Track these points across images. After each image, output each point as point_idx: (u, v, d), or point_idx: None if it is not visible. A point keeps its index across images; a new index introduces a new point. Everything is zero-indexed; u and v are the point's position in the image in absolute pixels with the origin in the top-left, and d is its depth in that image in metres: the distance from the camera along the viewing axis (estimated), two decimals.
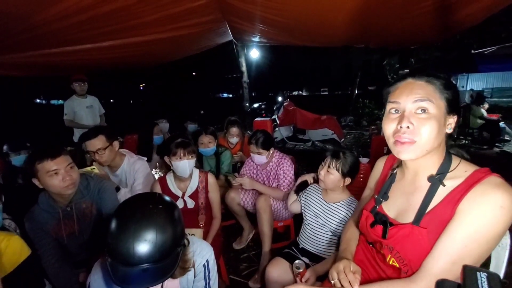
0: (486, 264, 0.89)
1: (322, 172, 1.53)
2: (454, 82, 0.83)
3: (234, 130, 2.92)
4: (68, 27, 2.69)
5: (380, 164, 1.11)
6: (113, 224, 0.80)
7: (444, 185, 0.81)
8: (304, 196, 1.72)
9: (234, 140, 2.97)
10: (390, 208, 0.95)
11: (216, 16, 3.54)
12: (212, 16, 3.50)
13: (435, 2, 2.98)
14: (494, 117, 6.23)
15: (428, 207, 0.82)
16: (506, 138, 6.17)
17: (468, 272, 0.46)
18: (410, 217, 0.85)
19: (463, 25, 4.11)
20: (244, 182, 2.17)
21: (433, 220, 0.80)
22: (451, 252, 0.74)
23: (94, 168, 1.84)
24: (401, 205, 0.91)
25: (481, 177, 0.76)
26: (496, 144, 5.88)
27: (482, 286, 0.43)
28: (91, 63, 4.25)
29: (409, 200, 0.89)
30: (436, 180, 0.82)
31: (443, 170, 0.83)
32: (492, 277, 0.45)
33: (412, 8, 3.14)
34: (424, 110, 0.78)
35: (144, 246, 0.76)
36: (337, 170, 1.49)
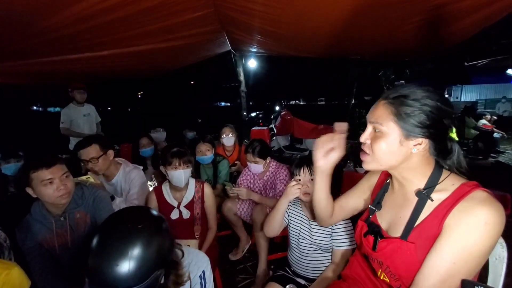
0: (485, 276, 0.89)
1: (304, 186, 1.44)
2: (429, 104, 0.78)
3: (227, 129, 2.92)
4: (68, 36, 2.71)
5: (375, 176, 1.09)
6: (91, 245, 0.76)
7: (432, 200, 0.81)
8: (288, 215, 1.61)
9: (229, 140, 2.93)
10: (382, 219, 0.95)
11: (215, 27, 3.59)
12: (211, 27, 3.55)
13: (426, 18, 3.05)
14: (488, 128, 6.33)
15: (416, 222, 0.82)
16: (500, 149, 6.25)
17: (466, 286, 0.46)
18: (399, 231, 0.86)
19: (455, 39, 4.20)
20: (241, 192, 2.16)
21: (421, 235, 0.80)
22: (440, 269, 0.74)
23: (89, 177, 1.82)
24: (391, 217, 0.92)
25: (467, 191, 0.76)
26: (491, 155, 5.94)
27: None
28: (90, 72, 4.28)
29: (399, 213, 0.89)
30: (423, 195, 0.82)
31: (431, 184, 0.83)
32: None
33: (404, 22, 3.21)
34: (376, 129, 0.83)
35: (116, 270, 0.71)
36: None
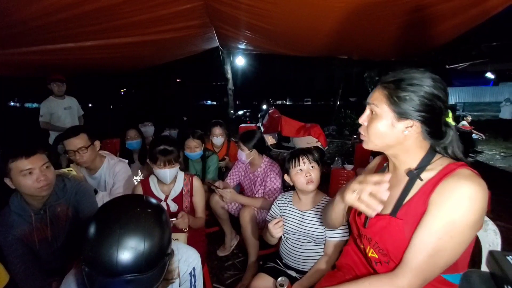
0: (479, 263, 0.90)
1: (307, 175, 1.41)
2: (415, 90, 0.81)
3: (218, 130, 2.87)
4: (49, 25, 2.59)
5: (376, 161, 1.14)
6: (94, 228, 0.71)
7: (421, 180, 0.84)
8: (280, 209, 1.60)
9: (218, 140, 2.89)
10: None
11: (203, 20, 3.53)
12: (199, 21, 3.49)
13: (409, 19, 3.13)
14: (467, 129, 6.60)
15: (405, 200, 0.86)
16: (478, 149, 6.54)
17: (499, 258, 0.44)
18: (389, 209, 0.89)
19: (437, 41, 4.34)
20: (225, 195, 2.09)
21: (409, 212, 0.83)
22: (427, 245, 0.76)
23: (71, 170, 1.74)
24: None
25: (453, 168, 0.80)
26: (470, 155, 6.18)
27: None
28: (72, 63, 4.12)
29: (390, 192, 0.91)
30: (414, 174, 0.86)
31: (422, 165, 0.86)
32: None
33: (389, 23, 3.28)
34: (373, 112, 0.88)
35: (129, 254, 0.68)
36: (316, 162, 1.46)
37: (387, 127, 0.84)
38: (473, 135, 6.55)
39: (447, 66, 7.48)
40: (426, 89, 0.80)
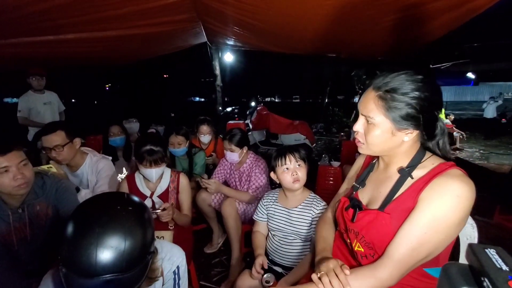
0: (457, 255, 0.93)
1: (293, 173, 1.40)
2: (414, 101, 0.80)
3: (205, 128, 2.85)
4: (28, 15, 2.47)
5: (362, 158, 1.15)
6: (72, 227, 0.69)
7: (412, 178, 0.86)
8: (266, 208, 1.57)
9: (205, 138, 2.89)
10: (364, 196, 0.99)
11: (191, 15, 3.47)
12: (186, 15, 3.42)
13: (397, 18, 3.17)
14: (449, 127, 6.83)
15: (395, 196, 0.87)
16: (459, 147, 6.77)
17: (478, 250, 0.45)
18: (377, 204, 0.91)
19: (421, 41, 4.43)
20: (209, 185, 2.08)
21: (397, 207, 0.85)
22: (412, 238, 0.78)
23: (51, 167, 1.67)
24: (372, 193, 0.97)
25: (444, 168, 0.82)
26: (451, 152, 6.39)
27: (497, 262, 0.43)
28: (53, 57, 3.95)
29: (379, 189, 0.94)
30: (405, 172, 0.87)
31: (414, 163, 0.88)
32: (500, 251, 0.45)
33: (375, 22, 3.32)
34: (369, 122, 0.87)
35: (109, 254, 0.65)
36: (303, 160, 1.45)
37: (387, 136, 0.85)
38: (454, 133, 6.77)
39: (431, 66, 7.69)
40: (422, 96, 0.80)
